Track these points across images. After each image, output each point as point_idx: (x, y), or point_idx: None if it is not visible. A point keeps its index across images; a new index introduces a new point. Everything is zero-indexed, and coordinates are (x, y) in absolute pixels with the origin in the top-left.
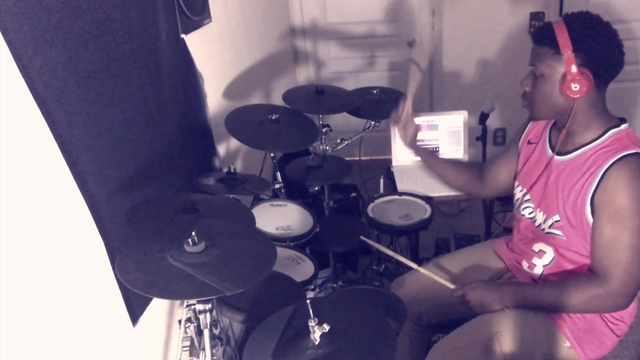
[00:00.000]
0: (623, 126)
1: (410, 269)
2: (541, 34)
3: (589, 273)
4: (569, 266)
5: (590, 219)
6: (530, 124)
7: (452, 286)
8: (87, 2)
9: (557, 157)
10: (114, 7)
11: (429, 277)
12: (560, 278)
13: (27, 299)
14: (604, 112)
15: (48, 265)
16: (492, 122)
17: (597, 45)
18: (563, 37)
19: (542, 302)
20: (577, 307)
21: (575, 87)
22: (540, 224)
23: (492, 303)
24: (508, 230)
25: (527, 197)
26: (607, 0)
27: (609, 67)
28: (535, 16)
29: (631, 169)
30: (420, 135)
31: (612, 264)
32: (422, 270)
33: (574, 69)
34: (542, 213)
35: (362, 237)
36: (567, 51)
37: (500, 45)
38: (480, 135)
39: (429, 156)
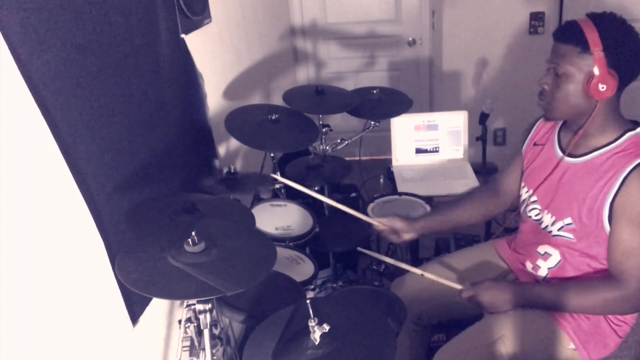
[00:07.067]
0: (639, 129)
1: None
2: (566, 31)
3: (600, 276)
4: (574, 270)
5: (607, 224)
6: (535, 127)
7: (459, 287)
8: (87, 3)
9: (569, 159)
10: (114, 8)
11: (435, 280)
12: (563, 281)
13: (27, 299)
14: (619, 115)
15: (48, 265)
16: (492, 122)
17: (626, 46)
18: (593, 36)
19: (558, 303)
20: (594, 309)
21: (602, 87)
22: (547, 226)
23: (504, 302)
24: (508, 231)
25: (534, 198)
26: (608, 0)
27: (634, 69)
28: (535, 16)
29: None
30: (420, 135)
31: (631, 269)
32: (427, 275)
33: (603, 69)
34: (550, 215)
35: (359, 249)
36: (597, 50)
37: (500, 45)
38: (480, 135)
39: (438, 219)
